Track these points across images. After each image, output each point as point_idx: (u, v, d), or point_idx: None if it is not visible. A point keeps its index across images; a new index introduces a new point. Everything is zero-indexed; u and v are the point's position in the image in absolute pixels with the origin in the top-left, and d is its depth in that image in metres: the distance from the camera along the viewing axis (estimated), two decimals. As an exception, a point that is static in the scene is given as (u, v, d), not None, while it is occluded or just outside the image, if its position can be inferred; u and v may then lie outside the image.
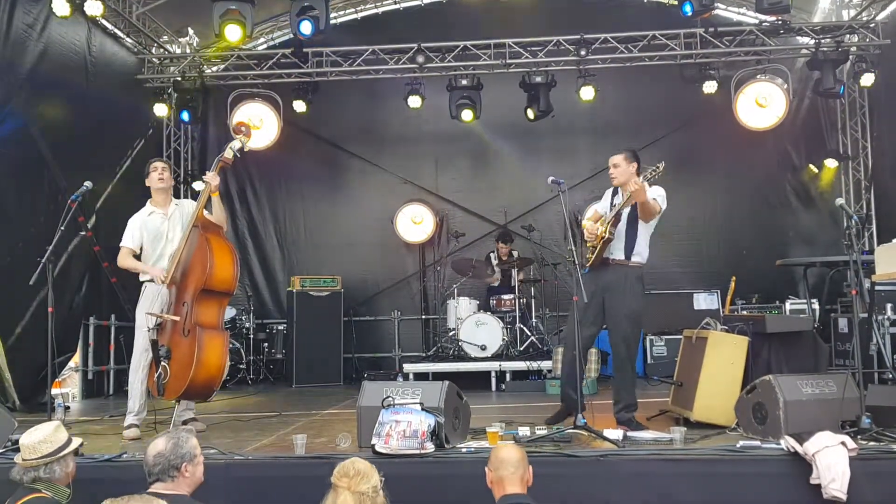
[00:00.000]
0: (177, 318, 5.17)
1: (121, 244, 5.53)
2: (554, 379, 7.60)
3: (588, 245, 5.34)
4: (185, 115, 9.74)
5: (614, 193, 5.41)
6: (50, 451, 3.19)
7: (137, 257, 5.53)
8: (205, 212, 5.41)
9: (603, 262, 5.21)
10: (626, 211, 5.15)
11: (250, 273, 10.83)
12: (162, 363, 5.07)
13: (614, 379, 5.40)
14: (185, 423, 5.47)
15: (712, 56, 9.44)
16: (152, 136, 9.98)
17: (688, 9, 8.07)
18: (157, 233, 5.52)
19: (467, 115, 9.64)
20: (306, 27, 7.99)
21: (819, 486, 3.75)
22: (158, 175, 5.58)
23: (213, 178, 5.44)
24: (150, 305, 5.38)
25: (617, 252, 5.19)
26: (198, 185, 10.44)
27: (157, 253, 5.50)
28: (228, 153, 5.58)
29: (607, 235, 5.12)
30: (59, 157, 7.63)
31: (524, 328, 8.87)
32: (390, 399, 4.34)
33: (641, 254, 5.23)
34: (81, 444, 3.52)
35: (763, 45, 9.30)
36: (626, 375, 5.23)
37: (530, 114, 9.62)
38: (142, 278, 5.53)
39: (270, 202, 10.96)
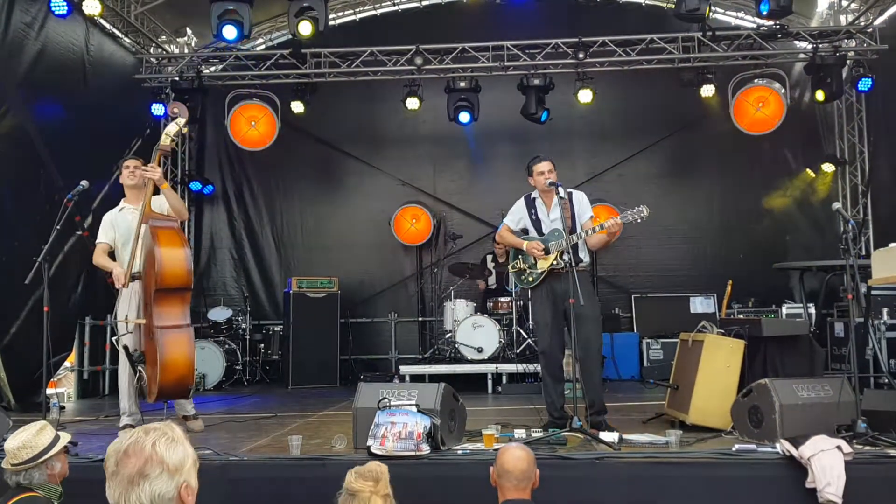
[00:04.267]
0: (142, 322, 5.14)
1: (96, 241, 5.51)
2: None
3: (525, 269, 5.38)
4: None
5: (531, 206, 5.46)
6: (28, 457, 3.09)
7: (113, 253, 5.50)
8: (154, 206, 5.27)
9: (551, 272, 5.25)
10: (561, 225, 5.18)
11: (247, 274, 10.84)
12: (138, 367, 5.08)
13: (584, 383, 5.14)
14: (185, 417, 5.49)
15: (710, 60, 9.44)
16: (150, 135, 9.95)
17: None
18: (126, 229, 5.43)
19: (465, 117, 9.64)
20: (305, 28, 8.01)
21: (814, 490, 3.75)
22: (129, 172, 5.52)
23: (153, 171, 5.27)
24: (128, 305, 5.34)
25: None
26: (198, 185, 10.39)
27: (129, 249, 5.38)
28: (165, 140, 5.40)
29: (558, 264, 5.18)
30: (56, 156, 7.61)
31: (521, 331, 8.85)
32: (386, 400, 4.34)
33: (585, 257, 5.32)
34: (73, 443, 3.48)
35: (761, 50, 9.31)
36: (594, 378, 5.17)
37: (540, 115, 9.48)
38: None
39: (268, 203, 10.95)
